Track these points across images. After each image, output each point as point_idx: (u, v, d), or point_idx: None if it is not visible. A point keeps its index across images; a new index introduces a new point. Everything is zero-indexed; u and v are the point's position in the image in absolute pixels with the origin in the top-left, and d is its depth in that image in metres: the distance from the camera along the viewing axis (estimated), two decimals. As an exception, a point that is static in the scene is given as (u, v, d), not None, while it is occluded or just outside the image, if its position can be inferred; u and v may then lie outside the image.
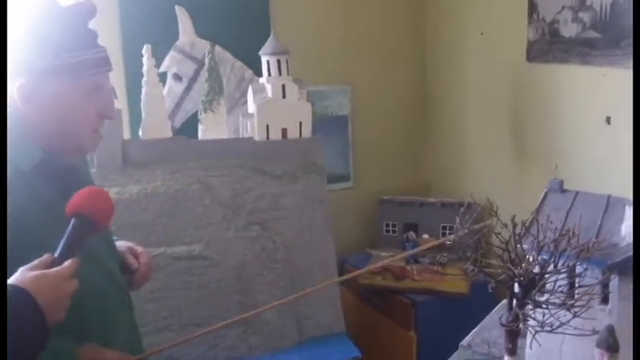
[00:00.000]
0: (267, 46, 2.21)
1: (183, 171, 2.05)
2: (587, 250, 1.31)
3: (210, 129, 2.17)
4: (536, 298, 1.34)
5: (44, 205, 1.10)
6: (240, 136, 2.26)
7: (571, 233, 1.34)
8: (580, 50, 2.30)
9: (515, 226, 1.37)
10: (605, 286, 1.36)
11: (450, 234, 2.77)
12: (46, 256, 1.00)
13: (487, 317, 1.86)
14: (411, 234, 2.70)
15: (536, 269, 1.35)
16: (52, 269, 0.98)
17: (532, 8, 2.46)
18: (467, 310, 2.44)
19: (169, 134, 2.12)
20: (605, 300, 1.37)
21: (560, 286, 1.39)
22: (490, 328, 1.75)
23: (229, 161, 2.14)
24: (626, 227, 1.41)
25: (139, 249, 1.37)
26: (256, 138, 2.19)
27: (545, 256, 1.33)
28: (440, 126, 3.10)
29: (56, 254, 1.01)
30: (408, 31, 3.03)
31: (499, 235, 1.37)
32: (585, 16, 2.27)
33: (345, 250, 2.77)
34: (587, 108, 2.32)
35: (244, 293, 2.01)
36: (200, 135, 2.20)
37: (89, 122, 1.19)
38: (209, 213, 2.03)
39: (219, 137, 2.18)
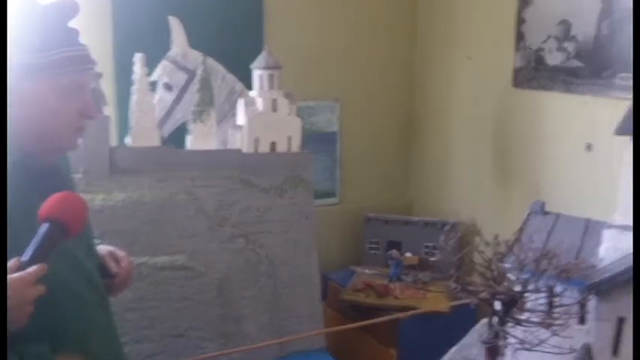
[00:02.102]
0: (260, 60, 2.23)
1: (169, 180, 2.05)
2: (567, 271, 1.34)
3: (199, 139, 2.17)
4: (517, 316, 1.37)
5: (21, 206, 1.07)
6: (229, 148, 2.27)
7: (552, 254, 1.37)
8: (564, 78, 2.36)
9: (498, 245, 1.39)
10: (582, 306, 1.39)
11: (432, 253, 2.81)
12: (13, 260, 0.98)
13: (467, 335, 1.87)
14: (394, 252, 2.71)
15: (517, 288, 1.38)
16: (16, 274, 0.96)
17: (519, 36, 2.52)
18: (448, 329, 2.44)
19: (158, 143, 2.12)
20: (582, 320, 1.40)
21: (539, 305, 1.42)
22: (470, 346, 1.77)
23: (216, 172, 2.14)
24: (604, 250, 1.44)
25: (121, 254, 1.36)
26: (245, 150, 2.20)
27: (526, 276, 1.36)
28: (425, 146, 3.14)
29: (24, 258, 0.99)
30: (398, 52, 3.08)
31: (482, 254, 1.39)
32: (569, 46, 2.34)
33: (329, 266, 2.78)
34: (569, 134, 2.37)
35: (226, 306, 2.00)
36: (188, 145, 2.20)
37: (70, 121, 1.17)
38: (194, 223, 2.03)
39: (208, 148, 2.18)
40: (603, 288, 1.33)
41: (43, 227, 1.02)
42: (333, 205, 3.02)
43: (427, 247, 2.82)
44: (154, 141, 2.10)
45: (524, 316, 1.38)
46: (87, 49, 1.20)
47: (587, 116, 2.30)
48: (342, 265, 2.90)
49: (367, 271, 2.81)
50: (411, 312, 2.22)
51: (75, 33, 1.18)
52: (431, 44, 3.04)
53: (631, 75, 2.13)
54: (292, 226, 2.21)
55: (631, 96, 2.12)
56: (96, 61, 1.23)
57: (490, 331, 1.40)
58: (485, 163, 2.77)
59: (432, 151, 3.09)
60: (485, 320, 1.94)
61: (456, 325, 2.54)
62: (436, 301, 2.51)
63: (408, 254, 2.77)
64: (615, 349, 1.31)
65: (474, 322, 2.52)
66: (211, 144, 2.22)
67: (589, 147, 2.28)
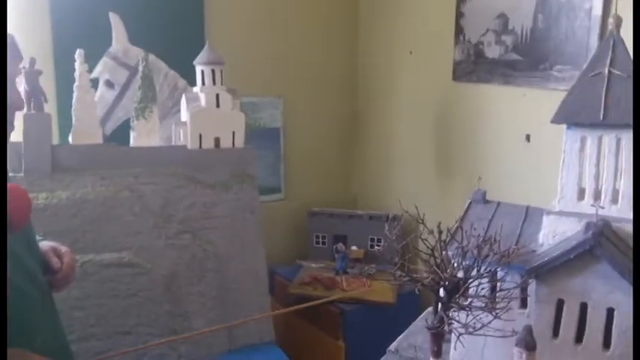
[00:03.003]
0: (203, 55, 2.21)
1: (113, 178, 2.01)
2: (507, 256, 1.39)
3: (143, 136, 2.14)
4: (460, 301, 1.41)
5: None
6: (173, 145, 2.24)
7: (493, 240, 1.42)
8: (502, 71, 2.44)
9: (440, 232, 1.43)
10: (523, 290, 1.45)
11: (377, 245, 2.86)
12: None
13: (413, 324, 1.91)
14: (340, 245, 2.74)
15: (460, 274, 1.42)
16: None
17: (459, 30, 2.59)
18: (393, 319, 2.50)
19: (100, 140, 2.07)
20: (524, 303, 1.46)
21: (482, 290, 1.47)
22: (416, 333, 1.81)
23: (161, 169, 2.11)
24: (543, 235, 1.50)
25: (63, 249, 1.33)
26: (189, 146, 2.18)
27: (468, 262, 1.40)
28: (368, 141, 3.19)
29: None
30: (340, 47, 3.11)
31: (426, 242, 1.43)
32: (507, 39, 2.41)
33: (276, 260, 2.79)
34: (509, 126, 2.44)
35: (174, 302, 1.98)
36: (132, 142, 2.16)
37: None
38: (139, 221, 2.00)
39: (152, 145, 2.15)
40: (542, 271, 1.38)
41: None
42: (278, 200, 3.03)
43: (372, 239, 2.87)
44: (97, 139, 2.06)
45: (467, 301, 1.43)
46: (11, 37, 1.14)
47: (525, 108, 2.37)
48: (289, 259, 2.92)
49: (314, 265, 2.84)
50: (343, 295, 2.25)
51: None
52: (373, 40, 3.09)
53: (567, 67, 2.22)
54: (238, 221, 2.20)
55: (567, 87, 2.21)
56: (21, 53, 1.17)
57: (435, 318, 1.44)
58: (426, 156, 2.83)
59: (375, 146, 3.14)
60: (430, 309, 1.99)
61: (401, 314, 2.60)
62: (382, 291, 2.55)
63: (354, 247, 2.82)
64: (555, 331, 1.36)
65: (418, 311, 2.59)
66: (155, 141, 2.19)
67: (528, 138, 2.36)
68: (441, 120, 2.76)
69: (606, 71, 1.35)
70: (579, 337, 1.32)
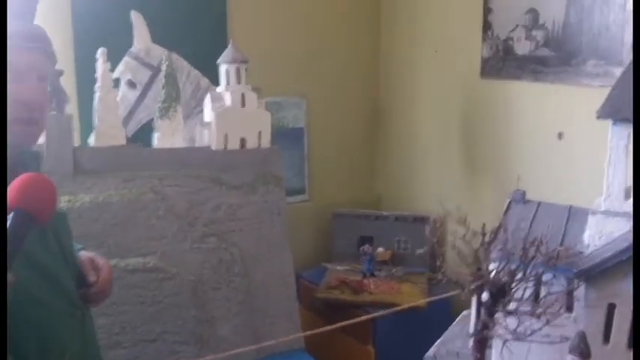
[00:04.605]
0: (227, 54, 2.16)
1: (136, 180, 1.96)
2: (555, 258, 1.33)
3: (166, 137, 2.09)
4: (507, 306, 1.35)
5: None
6: (197, 146, 2.19)
7: (538, 241, 1.35)
8: (533, 67, 2.37)
9: (484, 234, 1.37)
10: (569, 293, 1.38)
11: (405, 247, 2.80)
12: None
13: (449, 329, 1.85)
14: (367, 247, 2.69)
15: (505, 278, 1.36)
16: None
17: (486, 26, 2.52)
18: (424, 324, 2.44)
19: (123, 142, 2.03)
20: (569, 307, 1.39)
21: (526, 294, 1.41)
22: (453, 339, 1.75)
23: (185, 171, 2.07)
24: (589, 236, 1.43)
25: (101, 261, 1.28)
26: (214, 147, 2.13)
27: (515, 265, 1.34)
28: (392, 140, 3.13)
29: None
30: (363, 46, 3.06)
31: (469, 244, 1.37)
32: (538, 34, 2.34)
33: (300, 264, 2.72)
34: (540, 123, 2.38)
35: (200, 307, 1.93)
36: (155, 143, 2.12)
37: (11, 111, 1.03)
38: (164, 224, 1.95)
39: (175, 146, 2.10)
40: (593, 274, 1.32)
41: (9, 219, 0.91)
42: (302, 202, 2.97)
43: (399, 241, 2.81)
44: (119, 140, 2.02)
45: (513, 305, 1.36)
46: (40, 29, 1.08)
47: (557, 105, 2.30)
48: (313, 262, 2.86)
49: (339, 267, 2.78)
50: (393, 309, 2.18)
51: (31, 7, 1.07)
52: (396, 37, 3.02)
53: (601, 62, 2.15)
54: (264, 223, 2.15)
55: (601, 83, 2.16)
56: (49, 41, 1.11)
57: (478, 323, 1.38)
58: (453, 155, 2.76)
59: (400, 146, 3.08)
60: (466, 312, 1.93)
61: (432, 319, 2.53)
62: (411, 295, 2.48)
63: (381, 249, 2.75)
64: (606, 336, 1.29)
65: (450, 315, 2.52)
66: (178, 142, 2.15)
67: (560, 135, 2.30)
68: (468, 118, 2.69)
69: (655, 62, 1.30)
70: (631, 343, 1.26)
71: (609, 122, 1.40)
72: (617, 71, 2.09)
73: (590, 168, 2.20)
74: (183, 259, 1.94)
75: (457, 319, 1.91)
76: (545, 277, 1.36)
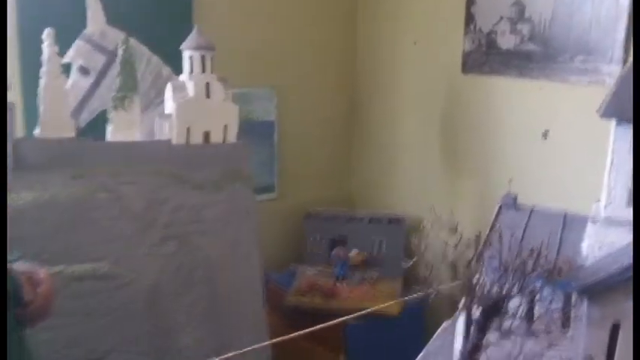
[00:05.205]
0: (191, 39, 1.99)
1: (87, 177, 1.78)
2: (558, 272, 1.20)
3: (122, 129, 1.91)
4: (502, 324, 1.22)
5: None
6: (156, 139, 2.01)
7: (538, 252, 1.22)
8: (517, 63, 2.26)
9: (478, 244, 1.24)
10: (565, 308, 1.27)
11: (379, 249, 2.67)
12: None
13: (430, 343, 1.71)
14: (340, 249, 2.55)
15: (500, 292, 1.23)
16: None
17: (469, 18, 2.40)
18: (397, 332, 2.33)
19: (72, 134, 1.84)
20: (565, 325, 1.27)
21: (522, 310, 1.29)
22: (436, 354, 1.61)
23: (143, 167, 1.89)
24: (588, 246, 1.32)
25: (42, 274, 1.10)
26: (175, 141, 1.96)
27: (512, 278, 1.21)
28: (368, 136, 3.00)
29: None
30: (339, 37, 2.92)
31: (461, 255, 1.23)
32: (524, 28, 2.23)
33: (268, 265, 2.56)
34: (524, 122, 2.29)
35: (159, 317, 1.77)
36: (109, 136, 1.94)
37: None
38: (118, 226, 1.77)
39: (132, 139, 1.92)
40: (597, 290, 1.20)
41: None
42: (271, 200, 2.82)
43: (373, 243, 2.68)
44: (68, 131, 1.83)
45: (507, 323, 1.24)
46: None
47: (542, 102, 2.21)
48: (283, 264, 2.72)
49: (310, 270, 2.64)
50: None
51: None
52: (374, 28, 2.89)
53: (590, 57, 2.05)
54: (231, 225, 1.99)
55: (590, 80, 2.06)
56: None
57: (467, 343, 1.26)
58: (433, 153, 2.65)
59: (376, 142, 2.95)
60: (446, 324, 1.80)
61: (404, 326, 2.41)
62: (386, 301, 2.36)
63: (354, 252, 2.62)
64: (609, 357, 1.17)
65: (422, 322, 2.40)
66: (136, 135, 1.97)
67: (545, 134, 2.20)
68: (448, 114, 2.57)
69: (661, 58, 1.19)
70: None
71: (611, 122, 1.28)
72: (608, 68, 2.00)
73: (577, 168, 2.12)
74: (140, 265, 1.77)
75: (437, 332, 1.77)
76: (545, 293, 1.23)
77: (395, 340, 2.28)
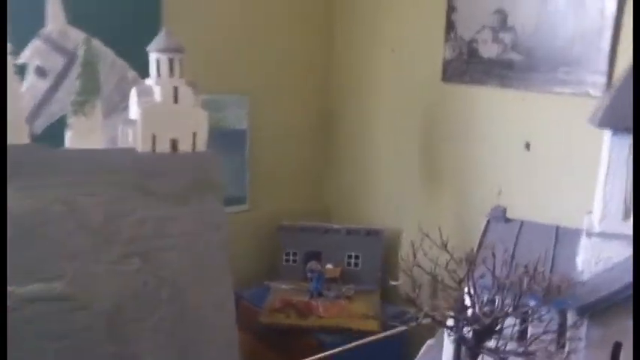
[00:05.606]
0: (159, 41, 1.87)
1: (40, 188, 1.63)
2: (557, 291, 1.11)
3: (82, 136, 1.78)
4: (499, 346, 1.14)
5: None
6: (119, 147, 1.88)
7: (533, 269, 1.14)
8: (499, 72, 2.20)
9: (471, 263, 1.15)
10: (561, 328, 1.19)
11: (355, 263, 2.58)
12: None
13: (415, 364, 1.63)
14: (315, 264, 2.45)
15: (493, 313, 1.15)
16: None
17: (450, 25, 2.33)
18: (376, 350, 2.22)
19: (26, 140, 1.70)
20: (561, 345, 1.19)
21: (516, 332, 1.21)
22: (420, 375, 1.53)
23: (103, 177, 1.76)
24: (584, 261, 1.24)
25: None
26: (139, 149, 1.84)
27: (506, 298, 1.12)
28: (343, 146, 2.91)
29: None
30: (314, 42, 2.83)
31: (453, 273, 1.14)
32: (506, 37, 2.17)
33: (240, 282, 2.45)
34: (505, 132, 2.23)
35: (120, 342, 1.63)
36: (67, 143, 1.81)
37: None
38: (75, 241, 1.63)
39: (92, 147, 1.79)
40: (598, 309, 1.12)
41: None
42: (243, 212, 2.70)
43: (349, 256, 2.59)
44: (21, 138, 1.69)
45: (500, 345, 1.16)
46: None
47: (525, 113, 2.15)
48: (255, 281, 2.60)
49: (284, 286, 2.53)
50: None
51: None
52: (350, 35, 2.81)
53: (573, 68, 2.00)
54: (200, 239, 1.87)
55: (573, 91, 2.00)
56: None
57: None
58: (411, 164, 2.57)
59: (352, 152, 2.86)
60: (431, 342, 1.71)
61: (385, 345, 2.31)
62: (364, 317, 2.26)
63: (329, 266, 2.52)
64: None
65: (402, 341, 2.30)
66: (97, 142, 1.84)
67: (527, 146, 2.14)
68: (427, 125, 2.49)
69: (658, 67, 1.13)
70: None
71: (605, 132, 1.21)
72: (591, 79, 1.95)
73: (560, 179, 2.05)
74: (99, 284, 1.63)
75: (422, 351, 1.68)
76: (540, 312, 1.15)
77: (374, 357, 2.18)
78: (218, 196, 1.95)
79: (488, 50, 2.22)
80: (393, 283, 1.08)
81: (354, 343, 2.06)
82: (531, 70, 2.10)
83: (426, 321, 1.14)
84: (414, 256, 1.09)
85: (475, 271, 1.15)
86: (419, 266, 1.09)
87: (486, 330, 1.14)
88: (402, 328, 2.09)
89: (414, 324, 1.15)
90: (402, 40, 2.56)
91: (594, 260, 1.23)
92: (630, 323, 1.11)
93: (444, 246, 1.14)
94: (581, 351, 1.15)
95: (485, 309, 1.13)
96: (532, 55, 2.10)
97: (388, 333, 2.06)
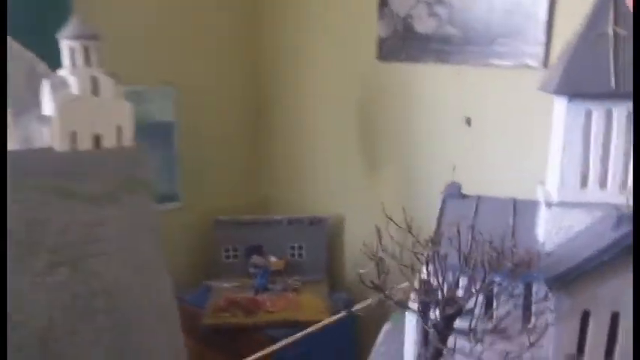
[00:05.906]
0: (71, 28, 1.70)
1: (-52, 197, 1.45)
2: (527, 264, 1.08)
3: (-10, 138, 1.59)
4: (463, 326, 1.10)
5: None
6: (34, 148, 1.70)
7: (501, 245, 1.10)
8: (436, 47, 2.17)
9: (435, 243, 1.10)
10: (526, 299, 1.16)
11: (299, 253, 2.50)
12: None
13: (374, 351, 1.58)
14: (257, 258, 2.35)
15: (459, 292, 1.10)
16: None
17: (383, 2, 2.27)
18: (326, 338, 2.17)
19: None
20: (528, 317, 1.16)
21: (483, 310, 1.18)
22: (384, 362, 1.48)
23: (19, 182, 1.58)
24: (545, 232, 1.22)
25: None
26: (58, 148, 1.67)
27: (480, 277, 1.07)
28: (277, 134, 2.82)
29: None
30: (241, 25, 2.71)
31: (419, 255, 1.08)
32: (442, 11, 2.14)
33: (180, 284, 2.31)
34: (446, 109, 2.20)
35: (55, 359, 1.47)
36: (-26, 147, 1.61)
37: None
38: (-7, 254, 1.45)
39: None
40: (567, 280, 1.10)
41: None
42: (176, 209, 2.57)
43: (292, 247, 2.51)
44: None
45: (472, 324, 1.12)
46: None
47: (464, 88, 2.13)
48: (194, 282, 2.47)
49: (225, 284, 2.43)
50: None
51: None
52: (280, 18, 2.70)
53: (510, 40, 1.99)
54: (132, 242, 1.73)
55: (512, 63, 1.99)
56: None
57: (427, 350, 1.13)
58: (351, 147, 2.51)
59: (287, 139, 2.78)
60: (387, 327, 1.67)
61: (334, 332, 2.26)
62: (313, 308, 2.19)
63: (273, 258, 2.43)
64: (580, 348, 1.12)
65: (351, 326, 2.25)
66: (8, 143, 1.65)
67: (469, 121, 2.12)
68: (364, 105, 2.44)
69: (611, 31, 1.11)
70: (609, 352, 1.12)
71: (559, 100, 1.19)
72: (529, 49, 1.94)
73: (504, 151, 2.05)
74: (24, 299, 1.46)
75: (381, 337, 1.63)
76: (513, 288, 1.13)
77: (325, 346, 2.13)
78: (148, 193, 1.81)
79: (424, 25, 2.19)
80: (361, 271, 1.01)
81: (299, 334, 1.97)
82: (468, 44, 2.08)
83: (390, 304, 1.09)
84: (380, 241, 1.01)
85: (439, 250, 1.10)
86: (384, 251, 1.01)
87: (457, 311, 1.09)
88: (344, 313, 2.04)
89: (358, 308, 1.09)
90: (334, 19, 2.49)
91: (555, 230, 1.22)
92: (598, 291, 1.09)
93: (409, 228, 1.08)
94: (552, 322, 1.12)
95: (458, 291, 1.08)
96: (469, 29, 2.08)
97: (333, 318, 2.00)
